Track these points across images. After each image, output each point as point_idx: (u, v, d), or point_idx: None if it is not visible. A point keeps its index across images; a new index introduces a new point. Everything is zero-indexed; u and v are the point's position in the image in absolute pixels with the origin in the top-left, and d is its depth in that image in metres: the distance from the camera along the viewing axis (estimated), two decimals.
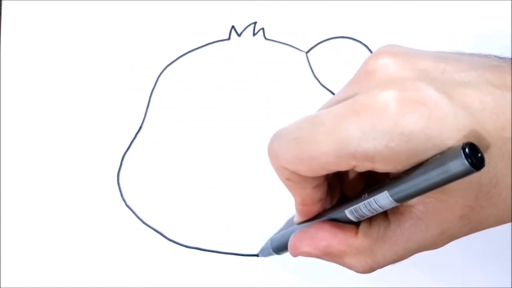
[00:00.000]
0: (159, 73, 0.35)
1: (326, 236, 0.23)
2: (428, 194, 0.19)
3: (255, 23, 0.36)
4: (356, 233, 0.22)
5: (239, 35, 0.36)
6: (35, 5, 0.36)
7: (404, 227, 0.21)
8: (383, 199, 0.20)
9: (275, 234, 0.30)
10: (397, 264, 0.34)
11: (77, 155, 0.34)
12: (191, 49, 0.36)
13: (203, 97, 0.35)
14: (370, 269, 0.23)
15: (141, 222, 0.34)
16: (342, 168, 0.20)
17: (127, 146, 0.35)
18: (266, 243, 0.30)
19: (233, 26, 0.36)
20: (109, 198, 0.34)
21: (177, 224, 0.34)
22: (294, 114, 0.34)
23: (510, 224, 0.33)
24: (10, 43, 0.35)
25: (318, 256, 0.24)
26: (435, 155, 0.18)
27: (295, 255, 0.25)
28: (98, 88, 0.35)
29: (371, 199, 0.21)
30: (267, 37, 0.36)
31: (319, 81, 0.35)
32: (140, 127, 0.35)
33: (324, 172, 0.21)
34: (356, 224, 0.23)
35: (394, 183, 0.20)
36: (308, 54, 0.35)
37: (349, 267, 0.23)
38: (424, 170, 0.18)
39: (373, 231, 0.22)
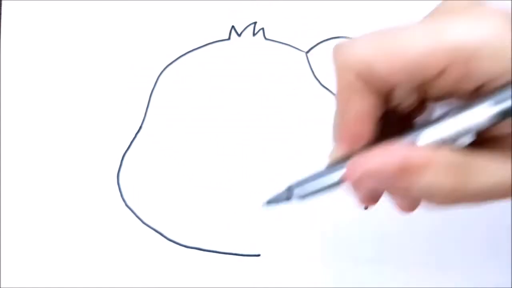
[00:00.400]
0: (159, 73, 0.35)
1: (402, 148, 0.18)
2: None
3: (255, 23, 0.36)
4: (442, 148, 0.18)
5: (239, 35, 0.36)
6: (35, 5, 0.36)
7: (502, 153, 0.18)
8: (483, 113, 0.17)
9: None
10: (397, 264, 0.34)
11: (77, 155, 0.34)
12: (191, 49, 0.36)
13: (203, 97, 0.35)
14: (454, 195, 0.18)
15: (141, 222, 0.34)
16: (429, 72, 0.17)
17: (127, 146, 0.35)
18: (281, 191, 0.25)
19: (233, 26, 0.36)
20: (109, 198, 0.34)
21: (177, 224, 0.34)
22: (294, 114, 0.35)
23: (510, 224, 0.34)
24: (10, 43, 0.35)
25: (387, 178, 0.18)
26: None
27: (356, 180, 0.19)
28: (98, 88, 0.35)
29: (465, 114, 0.17)
30: (267, 37, 0.36)
31: (319, 81, 0.35)
32: (140, 127, 0.35)
33: (403, 77, 0.17)
34: None
35: (498, 91, 0.16)
36: (308, 54, 0.35)
37: (427, 190, 0.17)
38: None
39: (460, 150, 0.18)
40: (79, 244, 0.33)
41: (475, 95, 0.17)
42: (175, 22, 0.36)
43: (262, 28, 0.36)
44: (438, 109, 0.20)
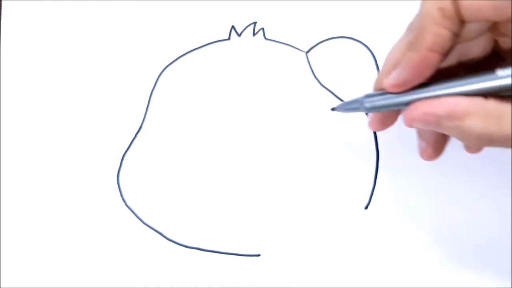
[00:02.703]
0: (159, 73, 0.35)
1: (452, 99, 0.22)
2: None
3: (255, 23, 0.36)
4: (487, 99, 0.21)
5: (239, 35, 0.36)
6: (35, 5, 0.36)
7: None
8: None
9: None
10: (397, 264, 0.34)
11: (77, 155, 0.34)
12: (191, 49, 0.36)
13: (203, 97, 0.35)
14: (489, 137, 0.21)
15: (141, 222, 0.34)
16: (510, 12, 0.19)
17: (127, 146, 0.35)
18: (354, 98, 0.28)
19: (233, 26, 0.36)
20: (109, 198, 0.34)
21: (177, 224, 0.34)
22: (294, 114, 0.35)
23: (510, 224, 0.34)
24: (10, 43, 0.35)
25: (437, 121, 0.22)
26: None
27: (411, 119, 0.23)
28: (98, 88, 0.35)
29: None
30: (267, 37, 0.36)
31: (319, 81, 0.35)
32: (140, 127, 0.35)
33: (487, 14, 0.20)
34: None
35: None
36: (308, 54, 0.35)
37: (468, 133, 0.22)
38: None
39: (502, 100, 0.21)
40: (79, 244, 0.33)
41: None
42: (175, 22, 0.36)
43: (262, 28, 0.36)
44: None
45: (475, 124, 0.21)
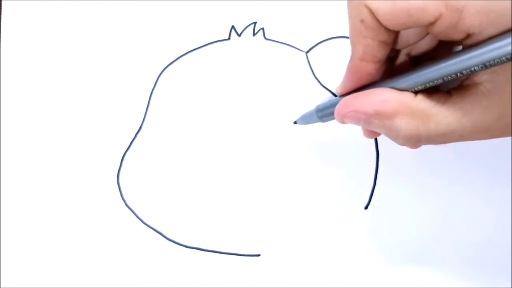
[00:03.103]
0: (159, 73, 0.35)
1: (383, 94, 0.22)
2: (500, 71, 0.19)
3: (255, 23, 0.36)
4: (415, 96, 0.22)
5: (239, 35, 0.36)
6: (35, 5, 0.36)
7: (466, 101, 0.21)
8: (472, 59, 0.19)
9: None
10: (397, 264, 0.34)
11: (77, 155, 0.34)
12: (191, 49, 0.36)
13: (203, 97, 0.35)
14: (416, 137, 0.22)
15: (141, 222, 0.34)
16: (426, 18, 0.19)
17: (127, 146, 0.35)
18: (310, 110, 0.29)
19: (233, 26, 0.36)
20: (109, 198, 0.34)
21: (177, 224, 0.34)
22: (294, 114, 0.35)
23: (510, 224, 0.34)
24: (10, 43, 0.35)
25: (366, 119, 0.22)
26: None
27: (342, 116, 0.23)
28: (98, 88, 0.35)
29: (457, 59, 0.20)
30: (267, 37, 0.36)
31: (319, 81, 0.35)
32: (140, 127, 0.35)
33: (403, 21, 0.20)
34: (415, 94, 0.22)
35: (489, 43, 0.19)
36: (308, 54, 0.35)
37: (396, 132, 0.22)
38: None
39: (432, 98, 0.21)
40: (79, 244, 0.33)
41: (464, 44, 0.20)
42: (175, 22, 0.36)
43: (262, 28, 0.36)
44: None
45: (403, 123, 0.21)
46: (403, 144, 0.22)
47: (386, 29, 0.21)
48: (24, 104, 0.35)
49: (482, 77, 0.20)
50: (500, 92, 0.20)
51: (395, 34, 0.21)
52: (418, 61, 0.25)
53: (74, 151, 0.34)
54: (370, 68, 0.22)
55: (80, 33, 0.36)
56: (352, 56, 0.23)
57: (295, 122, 0.30)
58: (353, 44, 0.22)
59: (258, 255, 0.33)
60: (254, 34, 0.36)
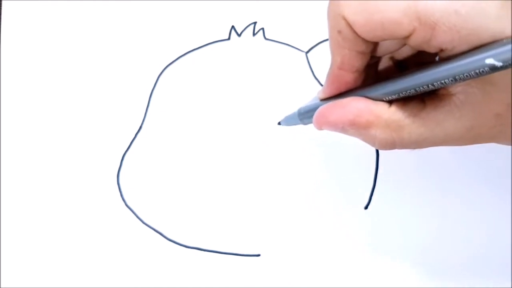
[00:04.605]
0: (159, 73, 0.35)
1: (358, 105, 0.23)
2: (474, 83, 0.20)
3: (255, 23, 0.36)
4: (389, 107, 0.22)
5: (239, 35, 0.36)
6: (35, 5, 0.36)
7: (439, 111, 0.21)
8: (442, 72, 0.20)
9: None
10: (397, 264, 0.34)
11: (77, 155, 0.34)
12: (191, 49, 0.36)
13: (203, 97, 0.35)
14: (391, 144, 0.23)
15: (141, 222, 0.34)
16: (400, 32, 0.20)
17: (127, 146, 0.35)
18: (293, 112, 0.29)
19: (233, 26, 0.36)
20: (109, 198, 0.34)
21: (177, 224, 0.34)
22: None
23: (510, 225, 0.34)
24: (10, 43, 0.35)
25: (343, 128, 0.23)
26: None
27: (320, 125, 0.24)
28: (98, 88, 0.35)
29: (429, 72, 0.21)
30: (267, 37, 0.36)
31: (319, 81, 0.35)
32: (140, 127, 0.35)
33: (379, 33, 0.20)
34: (389, 104, 0.23)
35: (459, 58, 0.19)
36: (308, 54, 0.35)
37: (372, 140, 0.23)
38: (502, 44, 0.18)
39: (406, 108, 0.22)
40: (79, 244, 0.33)
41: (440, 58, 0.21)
42: (175, 22, 0.36)
43: (262, 28, 0.36)
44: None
45: (378, 133, 0.22)
46: (379, 149, 0.23)
47: (364, 40, 0.21)
48: (24, 104, 0.35)
49: (456, 89, 0.21)
50: (472, 104, 0.21)
51: (373, 44, 0.22)
52: (403, 65, 0.25)
53: (74, 151, 0.34)
54: (349, 77, 0.23)
55: (80, 33, 0.36)
56: (331, 65, 0.23)
57: (279, 123, 0.31)
58: (331, 54, 0.23)
59: (258, 255, 0.33)
60: (254, 34, 0.36)
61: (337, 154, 0.34)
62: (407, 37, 0.20)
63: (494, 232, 0.34)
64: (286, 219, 0.34)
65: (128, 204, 0.34)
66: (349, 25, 0.21)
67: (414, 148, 0.23)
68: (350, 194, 0.34)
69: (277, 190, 0.34)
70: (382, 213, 0.34)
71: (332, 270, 0.33)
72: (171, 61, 0.36)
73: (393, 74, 0.24)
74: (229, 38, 0.36)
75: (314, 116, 0.25)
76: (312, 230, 0.34)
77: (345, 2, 0.21)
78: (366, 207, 0.34)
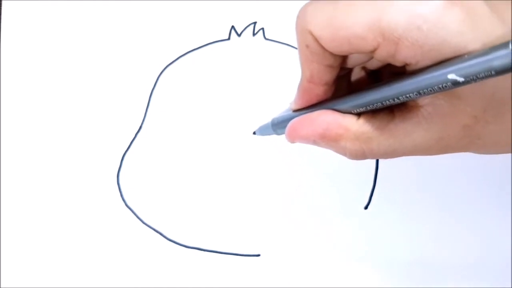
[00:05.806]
0: (159, 73, 0.35)
1: (326, 119, 0.23)
2: (441, 96, 0.20)
3: (255, 23, 0.36)
4: (357, 120, 0.23)
5: (239, 35, 0.36)
6: (35, 5, 0.36)
7: (407, 123, 0.22)
8: (406, 86, 0.20)
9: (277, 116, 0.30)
10: (397, 264, 0.34)
11: (77, 155, 0.34)
12: (191, 49, 0.36)
13: (203, 97, 0.35)
14: (362, 155, 0.23)
15: (141, 222, 0.34)
16: (366, 47, 0.20)
17: (127, 146, 0.35)
18: (267, 122, 0.30)
19: (233, 26, 0.36)
20: (109, 198, 0.34)
21: (177, 224, 0.34)
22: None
23: (510, 225, 0.34)
24: (10, 43, 0.35)
25: (314, 141, 0.24)
26: (473, 52, 0.19)
27: (292, 138, 0.25)
28: (98, 88, 0.35)
29: (393, 86, 0.21)
30: (267, 37, 0.36)
31: None
32: (140, 127, 0.35)
33: (345, 48, 0.21)
34: (358, 116, 0.23)
35: (423, 73, 0.20)
36: None
37: (343, 151, 0.23)
38: (464, 60, 0.18)
39: (375, 120, 0.22)
40: (79, 244, 0.33)
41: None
42: (175, 22, 0.36)
43: (262, 28, 0.36)
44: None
45: (348, 145, 0.23)
46: (351, 159, 0.24)
47: (331, 54, 0.21)
48: (24, 104, 0.35)
49: (424, 101, 0.21)
50: (440, 116, 0.21)
51: (342, 57, 0.22)
52: (377, 74, 0.25)
53: (74, 151, 0.34)
54: (319, 90, 0.24)
55: (80, 33, 0.36)
56: (301, 78, 0.24)
57: (254, 133, 0.31)
58: (301, 67, 0.23)
59: (258, 255, 0.33)
60: (254, 34, 0.36)
61: (337, 154, 0.34)
62: (373, 51, 0.20)
63: (494, 232, 0.34)
64: (286, 219, 0.34)
65: (128, 204, 0.34)
66: (316, 40, 0.21)
67: (385, 158, 0.23)
68: (350, 194, 0.34)
69: (277, 190, 0.34)
70: (382, 213, 0.34)
71: (332, 270, 0.33)
72: (171, 61, 0.36)
73: (366, 84, 0.25)
74: (229, 38, 0.36)
75: (286, 131, 0.25)
76: (312, 230, 0.34)
77: (311, 17, 0.21)
78: (366, 207, 0.34)
